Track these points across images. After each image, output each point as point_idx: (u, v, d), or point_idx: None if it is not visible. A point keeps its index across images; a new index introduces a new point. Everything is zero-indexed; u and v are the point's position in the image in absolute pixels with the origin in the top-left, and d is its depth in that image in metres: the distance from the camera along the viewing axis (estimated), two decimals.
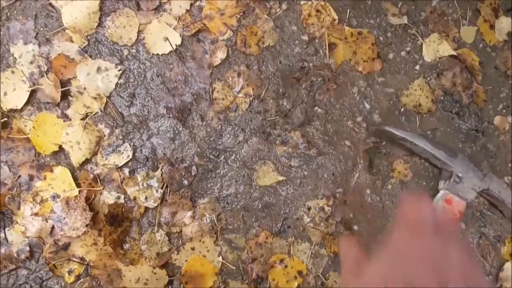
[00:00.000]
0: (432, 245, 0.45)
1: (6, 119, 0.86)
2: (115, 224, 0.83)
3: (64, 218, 0.81)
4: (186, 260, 0.85)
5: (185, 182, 0.87)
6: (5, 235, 0.81)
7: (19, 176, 0.84)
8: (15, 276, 0.81)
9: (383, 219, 0.90)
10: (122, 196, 0.86)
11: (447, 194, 0.89)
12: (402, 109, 0.97)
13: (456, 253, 0.45)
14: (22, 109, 0.87)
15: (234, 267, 0.86)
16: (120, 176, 0.86)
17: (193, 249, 0.85)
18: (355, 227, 0.89)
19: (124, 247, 0.84)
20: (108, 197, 0.85)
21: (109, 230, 0.81)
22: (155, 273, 0.82)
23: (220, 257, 0.86)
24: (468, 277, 0.44)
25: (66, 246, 0.82)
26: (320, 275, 0.87)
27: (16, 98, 0.87)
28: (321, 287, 0.87)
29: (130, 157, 0.87)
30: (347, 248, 0.53)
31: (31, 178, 0.84)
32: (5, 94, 0.87)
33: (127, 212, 0.85)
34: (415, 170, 0.94)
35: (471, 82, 1.01)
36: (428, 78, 0.99)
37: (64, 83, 0.88)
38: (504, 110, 1.02)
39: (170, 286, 0.85)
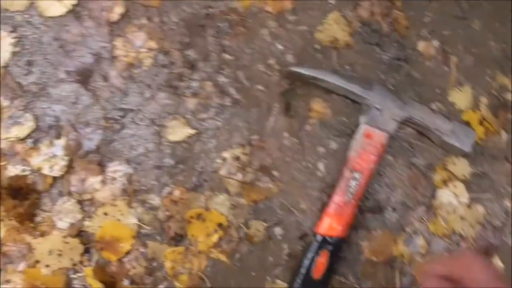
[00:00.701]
0: None
1: None
2: (20, 197, 0.80)
3: None
4: (99, 226, 0.81)
5: (92, 147, 0.84)
6: None
7: None
8: None
9: (304, 162, 0.87)
10: (28, 169, 0.82)
11: (366, 128, 0.85)
12: (318, 46, 0.92)
13: None
14: None
15: (150, 228, 0.83)
16: (23, 148, 0.83)
17: (106, 214, 0.82)
18: (275, 173, 0.86)
19: (37, 220, 0.81)
20: (13, 171, 0.82)
21: (13, 204, 0.79)
22: (67, 243, 0.80)
23: (136, 219, 0.83)
24: None
25: None
26: (242, 225, 0.84)
27: None
28: (244, 237, 0.84)
29: (33, 127, 0.83)
30: None
31: None
32: None
33: (34, 185, 0.82)
34: (334, 107, 0.90)
35: (391, 10, 0.95)
36: (344, 11, 0.93)
37: None
38: (429, 35, 0.97)
39: (87, 254, 0.82)
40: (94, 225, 0.83)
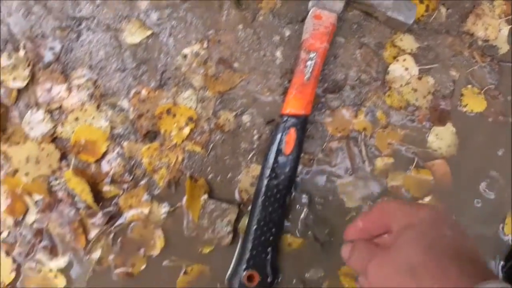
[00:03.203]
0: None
1: None
2: None
3: None
4: (72, 132, 0.83)
5: (52, 57, 0.85)
6: None
7: None
8: None
9: (262, 51, 0.91)
10: None
11: (315, 10, 0.89)
12: None
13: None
14: None
15: (123, 128, 0.85)
16: None
17: (76, 119, 0.84)
18: (236, 64, 0.90)
19: (8, 132, 0.83)
20: None
21: None
22: (43, 149, 0.82)
23: (107, 122, 0.85)
24: None
25: None
26: (211, 116, 0.88)
27: None
28: (215, 127, 0.88)
29: None
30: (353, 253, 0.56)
31: None
32: None
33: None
34: None
35: None
36: None
37: None
38: None
39: (64, 160, 0.84)
40: (67, 131, 0.85)
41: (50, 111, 0.85)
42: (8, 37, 0.84)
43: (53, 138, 0.84)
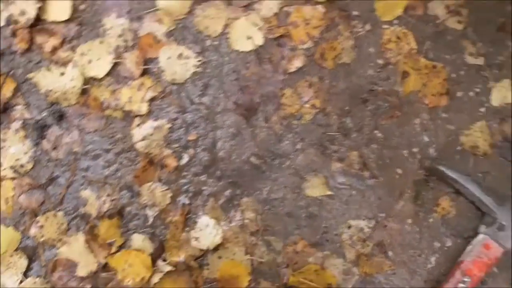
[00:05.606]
0: None
1: (85, 86, 0.92)
2: None
3: None
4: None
5: (236, 179, 0.92)
6: None
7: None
8: None
9: (418, 251, 0.94)
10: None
11: (487, 239, 0.92)
12: (459, 148, 0.99)
13: None
14: (102, 79, 0.93)
15: (266, 267, 0.90)
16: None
17: (221, 256, 0.90)
18: (390, 253, 0.93)
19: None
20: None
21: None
22: None
23: (248, 256, 0.90)
24: None
25: None
26: None
27: (99, 67, 0.93)
28: None
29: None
30: None
31: None
32: (90, 62, 0.92)
33: None
34: (459, 209, 0.97)
35: None
36: (491, 122, 1.00)
37: (145, 61, 0.93)
38: None
39: None
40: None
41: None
42: (209, 147, 0.91)
43: None
